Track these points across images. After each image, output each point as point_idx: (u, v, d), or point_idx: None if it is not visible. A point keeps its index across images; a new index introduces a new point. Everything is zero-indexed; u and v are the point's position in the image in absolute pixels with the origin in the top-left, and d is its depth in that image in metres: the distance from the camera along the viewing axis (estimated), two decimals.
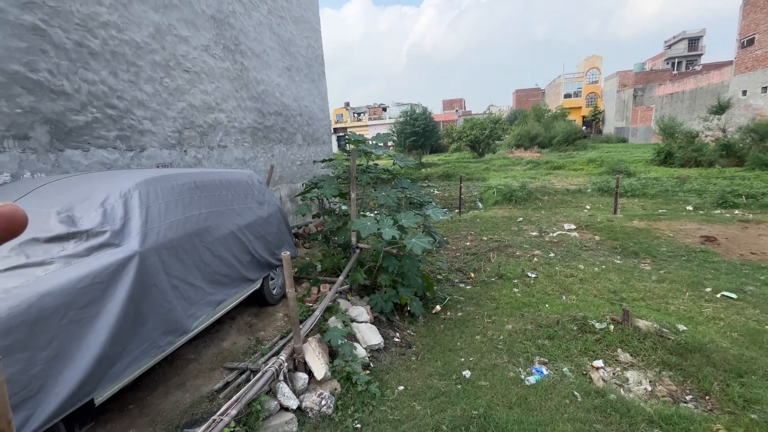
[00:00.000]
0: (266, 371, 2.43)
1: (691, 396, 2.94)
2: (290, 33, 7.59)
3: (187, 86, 4.93)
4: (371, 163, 4.31)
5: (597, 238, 7.13)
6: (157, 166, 4.46)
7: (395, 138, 25.09)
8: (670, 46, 46.52)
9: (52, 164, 3.40)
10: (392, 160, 4.18)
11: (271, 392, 2.47)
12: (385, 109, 54.14)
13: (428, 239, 3.55)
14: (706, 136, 16.91)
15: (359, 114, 55.58)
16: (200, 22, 5.18)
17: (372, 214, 4.64)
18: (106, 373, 1.77)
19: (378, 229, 3.44)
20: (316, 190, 4.47)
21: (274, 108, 6.99)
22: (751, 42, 19.04)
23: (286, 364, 2.58)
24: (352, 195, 4.03)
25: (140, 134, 4.27)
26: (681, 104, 26.15)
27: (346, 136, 4.02)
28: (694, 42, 44.26)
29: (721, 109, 17.87)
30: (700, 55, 43.87)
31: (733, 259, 5.68)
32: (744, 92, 19.37)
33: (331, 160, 5.21)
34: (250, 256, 3.22)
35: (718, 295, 4.48)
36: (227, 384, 2.59)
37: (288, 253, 2.47)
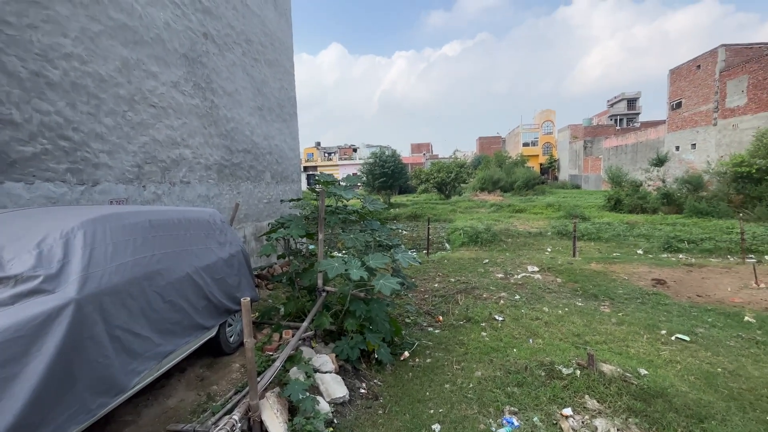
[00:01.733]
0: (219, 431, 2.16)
1: None
2: (264, 75, 7.73)
3: (151, 121, 4.79)
4: (340, 203, 4.28)
5: (559, 280, 7.36)
6: (111, 202, 4.18)
7: (364, 179, 25.57)
8: (612, 105, 52.03)
9: None
10: (361, 202, 4.18)
11: None
12: (355, 150, 55.41)
13: (397, 280, 3.48)
14: (649, 185, 18.54)
15: (330, 154, 56.45)
16: (171, 59, 5.16)
17: (340, 255, 4.53)
18: None
19: (345, 270, 3.34)
20: (282, 229, 4.34)
21: (243, 145, 6.92)
22: (679, 105, 21.69)
23: (239, 424, 2.32)
24: (320, 236, 3.93)
25: (95, 167, 4.03)
26: (625, 156, 28.79)
27: (316, 177, 4.00)
28: (632, 102, 49.81)
29: (660, 161, 19.83)
30: (638, 114, 49.25)
31: (682, 301, 6.01)
32: (677, 147, 21.71)
33: (299, 199, 5.13)
34: (207, 301, 2.99)
35: (673, 338, 4.66)
36: None
37: (248, 299, 2.31)
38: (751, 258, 8.11)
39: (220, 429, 2.21)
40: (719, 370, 3.88)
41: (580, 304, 6.08)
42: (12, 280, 1.70)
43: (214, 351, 3.37)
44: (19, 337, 1.55)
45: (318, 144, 58.17)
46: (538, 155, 47.49)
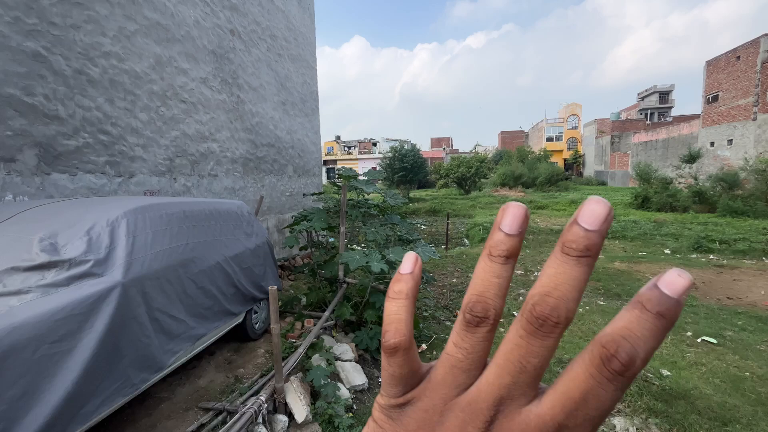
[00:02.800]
0: (244, 413, 2.31)
1: None
2: (287, 69, 7.88)
3: (182, 116, 5.00)
4: (362, 197, 4.37)
5: None
6: (145, 193, 4.41)
7: (384, 174, 25.61)
8: (642, 98, 49.89)
9: (37, 187, 3.34)
10: (383, 196, 4.25)
11: None
12: (375, 144, 55.49)
13: None
14: (679, 182, 17.80)
15: (349, 148, 56.74)
16: (200, 56, 5.34)
17: (360, 248, 4.63)
18: (76, 413, 1.65)
19: (366, 263, 3.43)
20: (305, 222, 4.47)
21: (267, 140, 7.10)
22: (715, 98, 20.63)
23: (265, 405, 2.46)
24: (342, 229, 4.04)
25: (131, 160, 4.26)
26: (655, 152, 27.67)
27: (338, 171, 4.10)
28: (664, 95, 47.63)
29: (692, 158, 18.98)
30: (670, 107, 47.09)
31: (710, 303, 5.82)
32: (712, 143, 20.69)
33: (321, 193, 5.26)
34: (235, 289, 3.15)
35: (699, 340, 4.54)
36: (201, 426, 2.44)
37: (275, 287, 2.43)
38: None
39: (248, 408, 2.35)
40: (747, 374, 3.77)
41: (602, 303, 5.98)
42: (66, 264, 1.87)
43: (241, 336, 3.54)
44: (74, 314, 1.72)
45: (338, 138, 58.57)
46: (562, 150, 46.24)
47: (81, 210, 2.32)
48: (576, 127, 46.36)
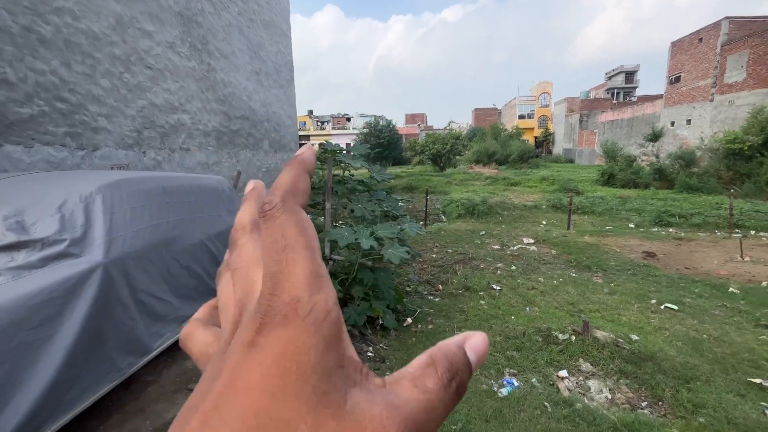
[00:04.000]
0: None
1: (646, 402, 3.15)
2: (260, 37, 7.41)
3: (148, 83, 4.61)
4: (347, 173, 4.26)
5: (554, 251, 7.55)
6: (112, 167, 4.09)
7: (370, 150, 25.27)
8: (610, 78, 51.33)
9: None
10: (369, 172, 4.16)
11: None
12: (349, 119, 54.28)
13: (405, 249, 3.55)
14: (642, 160, 18.72)
15: (323, 123, 55.26)
16: (166, 17, 4.89)
17: (344, 225, 4.56)
18: (59, 402, 1.54)
19: (356, 239, 3.38)
20: None
21: (241, 112, 6.73)
22: (677, 79, 21.52)
23: None
24: (328, 205, 3.94)
25: (94, 132, 3.91)
26: (620, 130, 28.79)
27: (323, 145, 3.95)
28: (630, 75, 49.19)
29: (654, 137, 19.91)
30: (635, 87, 48.80)
31: (671, 273, 6.25)
32: (672, 123, 21.75)
33: None
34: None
35: (662, 307, 4.89)
36: None
37: None
38: (738, 233, 8.39)
39: None
40: (704, 336, 4.11)
41: (574, 274, 6.29)
42: (38, 244, 1.70)
43: None
44: (53, 298, 1.58)
45: (310, 112, 56.78)
46: (533, 128, 47.18)
47: (47, 185, 2.10)
48: (547, 105, 47.26)
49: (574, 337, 4.01)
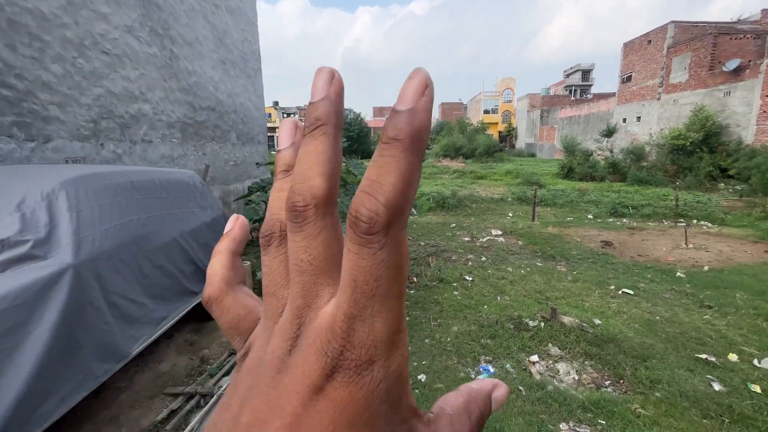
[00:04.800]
0: (222, 394, 2.20)
1: (609, 381, 3.39)
2: (225, 23, 7.07)
3: (105, 70, 4.28)
4: None
5: (520, 242, 7.88)
6: (66, 161, 3.79)
7: (346, 144, 24.95)
8: (568, 75, 53.74)
9: None
10: (346, 166, 4.13)
11: None
12: None
13: None
14: (598, 155, 19.85)
15: (289, 114, 53.85)
16: None
17: None
18: (32, 415, 1.43)
19: None
20: (261, 193, 4.21)
21: (207, 102, 6.43)
22: (629, 78, 22.92)
23: None
24: None
25: (45, 122, 3.59)
26: (578, 126, 30.32)
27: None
28: (586, 73, 51.74)
29: (609, 133, 21.15)
30: (591, 85, 51.44)
31: (626, 260, 6.73)
32: (624, 120, 23.19)
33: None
34: (194, 266, 2.90)
35: (620, 292, 5.26)
36: (173, 412, 2.29)
37: (248, 263, 2.28)
38: (682, 222, 9.15)
39: (225, 388, 2.25)
40: (657, 318, 4.48)
41: (539, 264, 6.60)
42: None
43: (201, 316, 3.32)
44: (18, 305, 1.45)
45: (276, 104, 55.12)
46: (497, 123, 48.60)
47: (1, 181, 1.91)
48: (510, 101, 48.80)
49: (543, 324, 4.23)
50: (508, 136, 47.59)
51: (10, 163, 3.21)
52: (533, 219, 9.80)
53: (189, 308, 2.93)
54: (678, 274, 5.92)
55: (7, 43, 3.25)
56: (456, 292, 5.34)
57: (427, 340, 4.06)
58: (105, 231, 2.00)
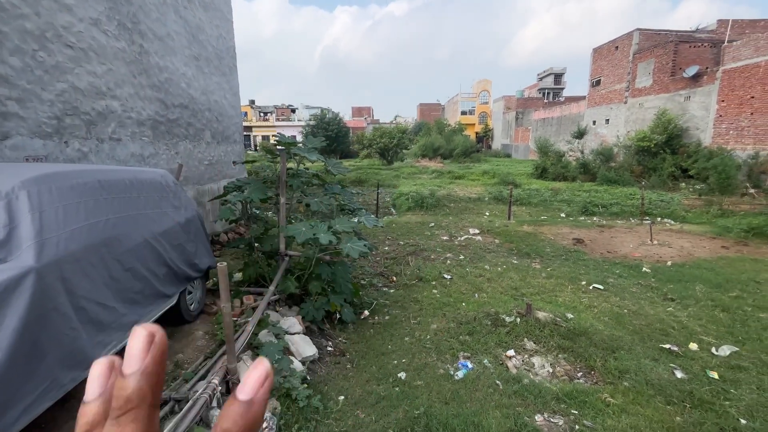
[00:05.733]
0: (198, 399, 2.15)
1: (581, 373, 3.53)
2: (199, 19, 6.88)
3: (69, 64, 4.08)
4: (302, 167, 4.15)
5: (497, 241, 8.07)
6: (26, 159, 3.58)
7: (325, 142, 24.65)
8: (541, 78, 55.33)
9: None
10: (325, 165, 4.10)
11: (203, 422, 2.20)
12: (294, 111, 52.53)
13: (363, 243, 3.58)
14: (570, 155, 20.55)
15: (266, 114, 52.86)
16: None
17: (299, 221, 4.46)
18: None
19: (314, 235, 3.34)
20: (237, 193, 4.12)
21: (180, 100, 6.23)
22: (598, 83, 23.85)
23: (219, 388, 2.32)
24: (282, 200, 3.83)
25: (2, 117, 3.38)
26: (551, 128, 31.28)
27: (275, 137, 3.81)
28: (558, 77, 53.45)
29: (580, 134, 21.93)
30: (563, 88, 53.16)
31: (596, 257, 7.00)
32: (594, 122, 24.11)
33: (254, 161, 4.86)
34: (167, 268, 2.81)
35: (591, 287, 5.47)
36: None
37: (224, 264, 2.23)
38: (647, 220, 9.61)
39: (202, 393, 2.20)
40: (625, 311, 4.69)
41: (515, 261, 6.78)
42: None
43: (174, 320, 3.22)
44: None
45: (252, 102, 53.93)
46: (474, 124, 49.45)
47: None
48: (486, 103, 49.77)
49: (519, 319, 4.35)
50: (485, 137, 48.52)
51: None
52: (509, 218, 10.05)
53: (161, 312, 2.83)
54: (644, 269, 6.22)
55: None
56: (435, 291, 5.41)
57: (407, 339, 4.09)
58: (71, 232, 1.90)
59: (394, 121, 51.38)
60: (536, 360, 3.79)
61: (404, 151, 29.41)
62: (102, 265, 2.09)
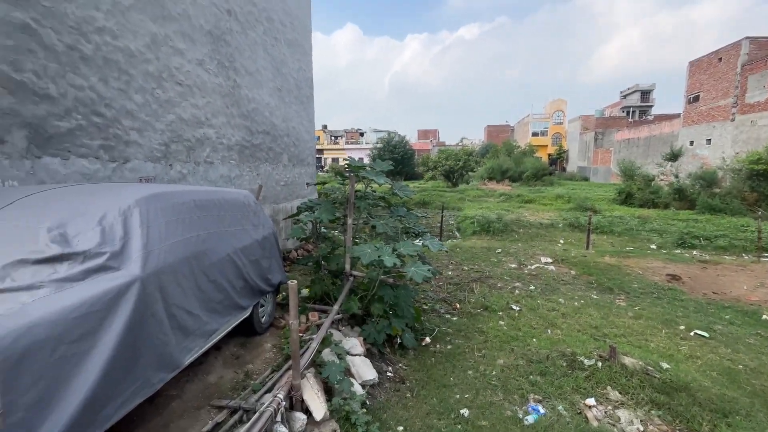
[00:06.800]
0: (263, 412, 2.22)
1: None
2: (283, 54, 7.61)
3: (178, 99, 4.75)
4: (369, 189, 4.27)
5: (573, 272, 7.38)
6: (140, 180, 4.19)
7: (392, 166, 25.56)
8: (625, 96, 51.02)
9: (27, 172, 3.10)
10: (391, 188, 4.16)
11: None
12: (362, 134, 54.97)
13: (428, 267, 3.51)
14: (661, 179, 18.37)
15: (336, 137, 56.08)
16: (197, 36, 5.07)
17: (364, 242, 4.55)
18: (94, 418, 1.54)
19: (378, 257, 3.36)
20: (308, 213, 4.35)
21: (263, 127, 6.87)
22: (696, 98, 21.25)
23: (284, 403, 2.38)
24: (349, 221, 3.94)
25: (126, 145, 4.03)
26: (636, 149, 28.42)
27: (346, 160, 3.98)
28: (645, 94, 48.84)
29: (673, 156, 19.57)
30: (651, 106, 48.36)
31: (698, 297, 6.03)
32: (691, 142, 21.38)
33: (325, 183, 5.13)
34: (244, 282, 3.03)
35: (692, 333, 4.69)
36: (218, 425, 2.35)
37: (295, 282, 2.34)
38: (767, 257, 8.08)
39: (267, 407, 2.27)
40: (740, 366, 3.92)
41: (595, 296, 6.12)
42: (80, 256, 1.73)
43: (247, 331, 3.43)
44: (93, 312, 1.59)
45: (324, 127, 57.73)
46: (546, 145, 46.99)
47: (87, 197, 2.15)
48: (561, 123, 47.13)
49: (600, 363, 3.86)
50: (559, 159, 45.68)
51: (95, 182, 3.62)
52: (588, 247, 9.18)
53: (237, 322, 3.04)
54: (764, 316, 5.19)
55: (101, 77, 3.73)
56: (502, 322, 5.08)
57: (470, 372, 3.85)
58: (169, 246, 2.16)
59: (460, 144, 50.95)
60: (623, 414, 3.30)
61: (470, 173, 28.87)
62: (191, 276, 2.32)
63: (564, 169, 44.10)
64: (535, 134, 47.88)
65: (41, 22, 3.19)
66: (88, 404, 1.51)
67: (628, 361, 3.87)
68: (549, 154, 46.27)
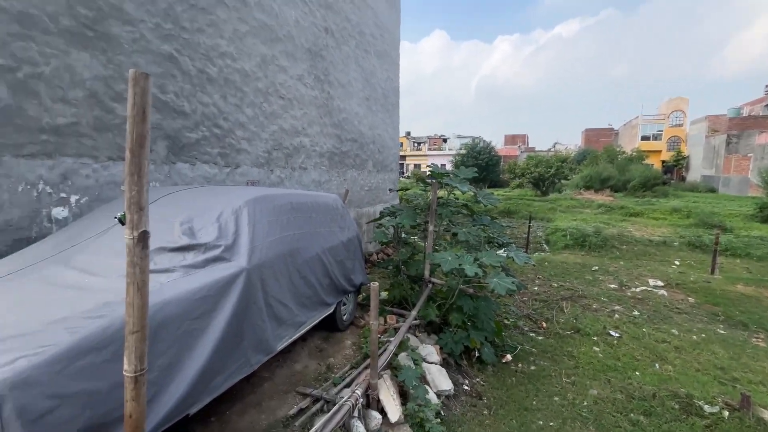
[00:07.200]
0: (343, 405, 2.34)
1: None
2: (372, 65, 7.98)
3: (280, 111, 5.31)
4: (452, 196, 4.23)
5: (691, 300, 6.28)
6: (248, 183, 4.77)
7: (477, 174, 25.14)
8: None
9: (165, 175, 3.77)
10: (475, 196, 4.06)
11: (344, 428, 2.37)
12: (445, 140, 54.53)
13: (512, 280, 3.33)
14: None
15: (419, 144, 56.55)
16: (298, 54, 5.61)
17: (445, 249, 4.50)
18: (206, 387, 1.80)
19: (459, 265, 3.30)
20: (389, 218, 4.47)
21: (351, 135, 7.27)
22: None
23: (361, 399, 2.48)
24: (431, 227, 3.94)
25: (237, 152, 4.63)
26: None
27: (429, 167, 4.00)
28: None
29: None
30: None
31: None
32: None
33: (407, 189, 5.23)
34: (330, 280, 3.24)
35: None
36: (301, 410, 2.54)
37: (377, 284, 2.42)
38: None
39: (346, 401, 2.38)
40: None
41: (722, 331, 5.11)
42: (202, 247, 2.06)
43: (329, 326, 3.65)
44: (210, 295, 1.87)
45: (408, 133, 58.68)
46: (660, 151, 40.85)
47: (207, 197, 2.54)
48: (680, 125, 40.57)
49: (726, 413, 3.22)
50: (677, 167, 39.30)
51: (213, 184, 4.23)
52: (713, 272, 7.71)
53: (322, 317, 3.26)
54: None
55: (222, 94, 4.37)
56: (597, 348, 4.55)
57: (556, 398, 3.53)
58: (270, 242, 2.43)
59: (552, 149, 47.20)
60: None
61: (563, 181, 26.51)
62: (286, 271, 2.57)
63: (683, 179, 37.79)
64: (645, 138, 41.97)
65: (181, 51, 3.86)
66: (203, 374, 1.78)
67: (766, 415, 3.15)
68: (663, 161, 40.12)
